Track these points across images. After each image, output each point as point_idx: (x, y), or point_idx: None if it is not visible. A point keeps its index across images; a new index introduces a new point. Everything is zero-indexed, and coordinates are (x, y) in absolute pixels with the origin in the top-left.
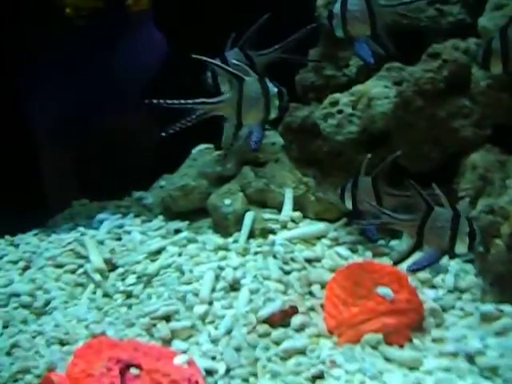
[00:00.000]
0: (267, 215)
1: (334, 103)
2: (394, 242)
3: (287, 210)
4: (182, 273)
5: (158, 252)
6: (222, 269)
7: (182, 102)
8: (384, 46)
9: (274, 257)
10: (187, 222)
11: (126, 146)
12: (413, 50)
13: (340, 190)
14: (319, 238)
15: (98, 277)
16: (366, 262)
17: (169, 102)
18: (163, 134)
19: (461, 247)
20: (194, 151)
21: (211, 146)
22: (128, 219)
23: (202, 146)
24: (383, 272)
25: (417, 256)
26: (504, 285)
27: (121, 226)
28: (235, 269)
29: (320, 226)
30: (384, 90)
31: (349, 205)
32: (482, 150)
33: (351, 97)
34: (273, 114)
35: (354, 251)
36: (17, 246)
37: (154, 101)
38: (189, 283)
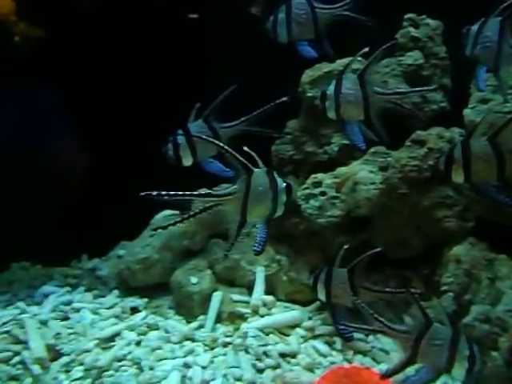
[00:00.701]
0: (236, 296)
1: (317, 184)
2: (371, 338)
3: (259, 293)
4: (141, 369)
5: (112, 338)
6: (188, 367)
7: (186, 193)
8: (377, 132)
9: (246, 351)
10: (146, 300)
11: (79, 200)
12: (394, 134)
13: (313, 279)
14: (293, 326)
15: (37, 368)
16: (352, 368)
17: (171, 193)
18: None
19: (459, 371)
20: (157, 217)
21: (176, 212)
22: (77, 293)
23: (166, 212)
24: (372, 382)
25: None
26: None
27: (69, 303)
28: (204, 368)
29: (294, 314)
30: (369, 175)
31: (322, 297)
32: (465, 243)
33: (335, 179)
34: (279, 212)
35: (331, 345)
36: None
37: (154, 193)
38: None
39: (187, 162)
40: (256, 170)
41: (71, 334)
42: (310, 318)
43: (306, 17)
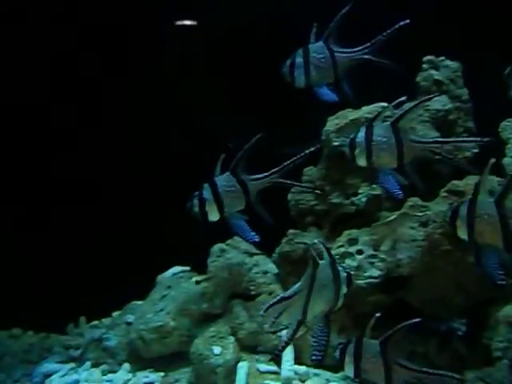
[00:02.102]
0: (263, 366)
1: (353, 241)
2: None
3: (289, 362)
4: None
5: None
6: None
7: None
8: (413, 181)
9: None
10: (161, 374)
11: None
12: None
13: (340, 351)
14: None
15: None
16: None
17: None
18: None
19: None
20: (165, 275)
21: (186, 268)
22: (84, 370)
23: (175, 269)
24: None
25: None
26: None
27: (74, 383)
28: None
29: None
30: (410, 231)
31: (350, 372)
32: None
33: (372, 236)
34: (339, 304)
35: None
36: None
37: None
38: None
39: (213, 217)
40: (321, 262)
41: None
42: None
43: (325, 60)
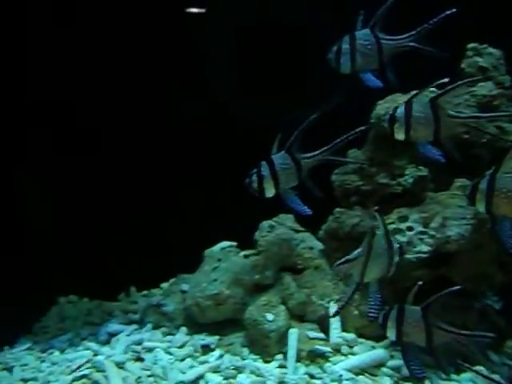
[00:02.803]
0: (312, 333)
1: (403, 218)
2: (464, 375)
3: (337, 330)
4: None
5: (196, 382)
6: None
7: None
8: (449, 154)
9: None
10: (216, 337)
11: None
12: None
13: (382, 316)
14: (377, 366)
15: None
16: None
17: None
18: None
19: None
20: (214, 249)
21: (233, 243)
22: (146, 332)
23: (223, 244)
24: None
25: None
26: None
27: (139, 342)
28: None
29: (380, 354)
30: (459, 209)
31: (392, 336)
32: None
33: (422, 213)
34: (391, 272)
35: None
36: (10, 369)
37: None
38: None
39: (269, 193)
40: (378, 232)
41: (150, 376)
42: (391, 357)
43: (371, 47)
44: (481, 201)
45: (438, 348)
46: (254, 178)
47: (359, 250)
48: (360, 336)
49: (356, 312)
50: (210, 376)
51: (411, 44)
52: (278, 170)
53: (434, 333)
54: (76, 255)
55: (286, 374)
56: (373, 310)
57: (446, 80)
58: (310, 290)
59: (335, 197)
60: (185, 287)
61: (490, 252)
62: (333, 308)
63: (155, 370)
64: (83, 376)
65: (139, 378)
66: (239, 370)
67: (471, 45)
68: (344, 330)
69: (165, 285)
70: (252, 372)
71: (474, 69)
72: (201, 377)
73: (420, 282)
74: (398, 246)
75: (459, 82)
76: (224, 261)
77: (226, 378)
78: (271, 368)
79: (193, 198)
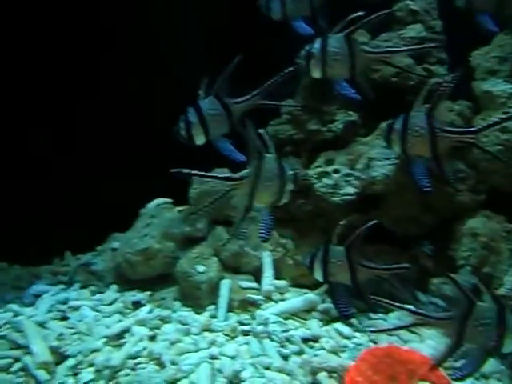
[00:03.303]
0: (245, 283)
1: (330, 161)
2: (392, 315)
3: (269, 278)
4: (162, 365)
5: (121, 335)
6: (215, 358)
7: (208, 174)
8: (362, 91)
9: (270, 338)
10: (148, 293)
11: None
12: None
13: (309, 259)
14: (308, 311)
15: (42, 374)
16: (390, 347)
17: (200, 173)
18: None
19: (509, 346)
20: (149, 206)
21: (169, 200)
22: (73, 291)
23: (158, 201)
24: (416, 361)
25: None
26: None
27: (65, 301)
28: (232, 358)
29: (310, 298)
30: (384, 150)
31: (319, 276)
32: (480, 216)
33: (348, 156)
34: (285, 199)
35: (351, 327)
36: None
37: (185, 170)
38: (175, 381)
39: (200, 140)
40: (267, 155)
41: (74, 333)
42: (323, 301)
43: None
44: (396, 141)
45: (364, 287)
46: (182, 124)
47: (245, 171)
48: (296, 285)
49: (291, 262)
50: (137, 329)
51: None
52: (206, 116)
53: (357, 270)
54: (8, 221)
55: (212, 322)
56: (263, 231)
57: (361, 13)
58: (243, 241)
59: None
60: (115, 245)
61: (415, 193)
62: (267, 257)
63: (80, 327)
64: (2, 337)
65: (61, 335)
66: (166, 321)
67: None
68: (280, 279)
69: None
70: (179, 322)
71: (404, 12)
72: (127, 330)
73: (342, 222)
74: (291, 172)
75: (369, 17)
76: (157, 217)
77: (151, 329)
78: (198, 317)
79: (129, 157)
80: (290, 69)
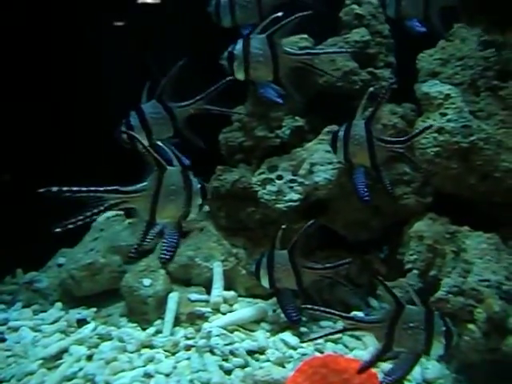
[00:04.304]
0: (194, 295)
1: (273, 168)
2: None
3: (218, 289)
4: None
5: (59, 356)
6: (149, 376)
7: (91, 189)
8: (288, 92)
9: (212, 352)
10: (93, 310)
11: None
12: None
13: (255, 265)
14: (258, 321)
15: None
16: (327, 356)
17: (74, 189)
18: (57, 230)
19: (437, 349)
20: (98, 220)
21: (120, 213)
22: (14, 311)
23: (108, 213)
24: (353, 370)
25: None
26: (474, 374)
27: (4, 322)
28: (167, 375)
29: (257, 308)
30: (326, 154)
31: (265, 283)
32: (426, 219)
33: (291, 161)
34: (193, 214)
35: (300, 336)
36: None
37: (54, 188)
38: None
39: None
40: (169, 167)
41: (9, 356)
42: (274, 311)
43: (250, 0)
44: (339, 149)
45: (310, 289)
46: (124, 128)
47: (143, 183)
48: (251, 296)
49: (244, 271)
50: (75, 348)
51: None
52: (148, 119)
53: (301, 273)
54: None
55: (153, 338)
56: (165, 252)
57: (279, 14)
58: (194, 252)
59: (222, 156)
60: (61, 261)
61: None
62: (217, 267)
63: (16, 349)
64: None
65: None
66: (105, 338)
67: None
68: (232, 289)
69: None
70: (118, 339)
71: (350, 16)
72: (65, 350)
73: (283, 226)
74: (199, 186)
75: (289, 19)
76: (106, 230)
77: (89, 348)
78: (139, 334)
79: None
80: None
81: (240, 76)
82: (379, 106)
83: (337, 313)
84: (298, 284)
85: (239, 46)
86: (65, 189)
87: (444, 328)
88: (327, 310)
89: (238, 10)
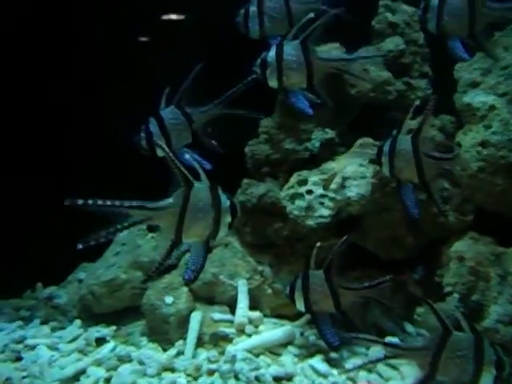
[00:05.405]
0: (217, 315)
1: (302, 182)
2: (374, 348)
3: (243, 309)
4: None
5: (76, 377)
6: None
7: (116, 203)
8: (321, 98)
9: (236, 378)
10: (113, 328)
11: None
12: (378, 124)
13: (289, 287)
14: (285, 345)
15: None
16: None
17: (99, 202)
18: (80, 247)
19: (487, 380)
20: (121, 233)
21: (143, 227)
22: (32, 328)
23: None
24: None
25: None
26: None
27: (21, 340)
28: None
29: (285, 331)
30: (360, 168)
31: (300, 306)
32: (467, 239)
33: (322, 175)
34: (222, 233)
35: (330, 362)
36: None
37: (79, 201)
38: None
39: (161, 151)
40: (197, 183)
41: (25, 377)
42: (302, 334)
43: (280, 11)
44: (385, 164)
45: (350, 312)
46: (143, 135)
47: (168, 200)
48: (277, 316)
49: (270, 290)
50: (94, 370)
51: (322, 7)
52: (167, 126)
53: (339, 294)
54: None
55: (175, 360)
56: (190, 272)
57: (312, 15)
58: (218, 269)
59: (248, 169)
60: (82, 275)
61: (397, 214)
62: (242, 286)
63: (31, 369)
64: None
65: (8, 379)
66: (125, 360)
67: (383, 1)
68: (257, 309)
69: None
70: (138, 362)
71: (383, 24)
72: (83, 371)
73: (318, 244)
74: (229, 203)
75: (318, 21)
76: (128, 244)
77: (108, 370)
78: (159, 356)
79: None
80: (251, 77)
81: (273, 84)
82: (426, 119)
83: (380, 340)
84: (336, 306)
85: (272, 52)
86: (90, 202)
87: (495, 357)
88: (368, 337)
89: (267, 20)
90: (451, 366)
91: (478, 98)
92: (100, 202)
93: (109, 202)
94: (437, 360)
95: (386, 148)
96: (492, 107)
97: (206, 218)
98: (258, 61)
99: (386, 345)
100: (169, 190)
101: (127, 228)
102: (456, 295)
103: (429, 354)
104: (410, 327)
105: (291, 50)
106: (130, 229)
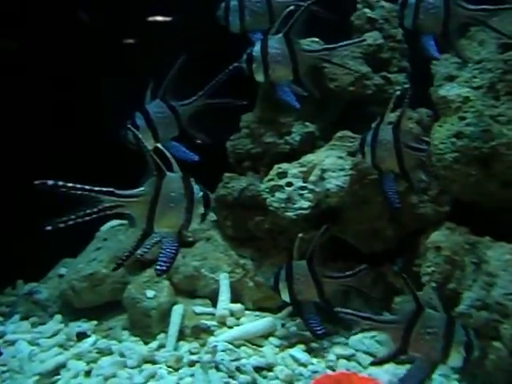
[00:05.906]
0: (199, 308)
1: (282, 174)
2: (354, 337)
3: (225, 302)
4: None
5: (56, 371)
6: None
7: (86, 187)
8: (308, 89)
9: (217, 368)
10: (94, 323)
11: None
12: (357, 118)
13: (273, 279)
14: (266, 336)
15: None
16: (339, 374)
17: (69, 185)
18: (48, 228)
19: (455, 360)
20: (102, 229)
21: (124, 222)
22: (11, 323)
23: (112, 222)
24: None
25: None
26: None
27: (1, 335)
28: None
29: (266, 322)
30: (338, 160)
31: (285, 296)
32: (443, 229)
33: (301, 167)
34: (194, 224)
35: (311, 352)
36: None
37: (49, 182)
38: None
39: (148, 144)
40: (169, 173)
41: (5, 372)
42: (283, 326)
43: (260, 5)
44: (367, 153)
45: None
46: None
47: (140, 188)
48: (259, 309)
49: (252, 283)
50: (74, 363)
51: (301, 3)
52: (154, 119)
53: (323, 283)
54: None
55: (156, 352)
56: (162, 263)
57: (293, 8)
58: (200, 262)
59: (230, 164)
60: (62, 271)
61: (376, 206)
62: (223, 279)
63: (11, 364)
64: None
65: None
66: (105, 353)
67: None
68: (239, 302)
69: None
70: (119, 354)
71: (362, 20)
72: (63, 365)
73: (300, 235)
74: (201, 193)
75: (299, 12)
76: (109, 240)
77: (88, 363)
78: (140, 348)
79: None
80: (233, 67)
81: (260, 78)
82: (404, 111)
83: (359, 314)
84: (320, 295)
85: (258, 47)
86: (60, 183)
87: (465, 339)
88: (352, 312)
89: (247, 14)
90: (422, 341)
91: (453, 91)
92: (70, 185)
93: (79, 186)
94: (408, 334)
95: (369, 138)
96: (466, 99)
97: (178, 208)
98: (244, 56)
99: (361, 317)
100: (141, 179)
101: (97, 213)
102: (433, 284)
103: (401, 328)
104: (388, 315)
105: (275, 43)
106: (110, 223)
